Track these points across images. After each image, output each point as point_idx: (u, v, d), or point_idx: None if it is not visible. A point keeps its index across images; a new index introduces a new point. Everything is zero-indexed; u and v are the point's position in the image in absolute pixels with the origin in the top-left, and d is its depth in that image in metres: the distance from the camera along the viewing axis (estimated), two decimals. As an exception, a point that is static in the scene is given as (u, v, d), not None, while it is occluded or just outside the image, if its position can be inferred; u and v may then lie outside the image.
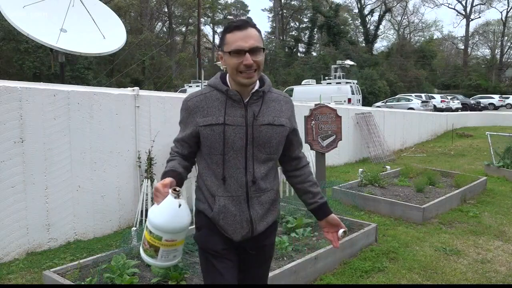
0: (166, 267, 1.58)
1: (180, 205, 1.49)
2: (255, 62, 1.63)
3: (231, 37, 1.63)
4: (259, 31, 1.67)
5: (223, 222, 1.72)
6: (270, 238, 1.87)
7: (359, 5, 50.71)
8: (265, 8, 78.37)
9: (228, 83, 1.72)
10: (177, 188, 1.50)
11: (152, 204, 1.69)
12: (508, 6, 52.72)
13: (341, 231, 1.85)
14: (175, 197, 1.49)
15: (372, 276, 3.54)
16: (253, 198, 1.73)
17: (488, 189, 6.67)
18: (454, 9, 75.17)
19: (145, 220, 4.70)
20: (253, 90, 1.72)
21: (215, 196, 1.71)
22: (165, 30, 44.07)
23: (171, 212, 1.48)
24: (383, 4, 50.23)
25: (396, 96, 29.20)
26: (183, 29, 44.53)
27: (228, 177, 1.69)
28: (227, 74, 1.74)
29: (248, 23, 1.65)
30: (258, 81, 1.75)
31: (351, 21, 53.59)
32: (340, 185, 6.10)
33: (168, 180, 1.56)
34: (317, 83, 25.75)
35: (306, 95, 20.57)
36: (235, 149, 1.68)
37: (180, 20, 43.52)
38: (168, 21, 42.22)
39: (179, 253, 1.58)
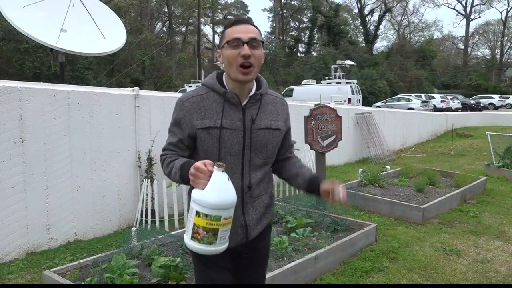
0: (221, 251, 1.50)
1: (228, 178, 1.47)
2: (253, 55, 1.58)
3: (231, 31, 1.61)
4: (259, 30, 1.66)
5: None
6: (265, 240, 1.85)
7: (359, 5, 50.76)
8: (265, 8, 78.59)
9: (225, 84, 1.67)
10: (220, 163, 1.46)
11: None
12: (508, 6, 52.70)
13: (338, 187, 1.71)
14: (222, 171, 1.45)
15: (372, 276, 3.54)
16: (248, 204, 1.70)
17: (488, 189, 6.67)
18: (454, 9, 75.04)
19: (145, 220, 4.72)
20: (251, 93, 1.68)
21: None
22: (165, 30, 44.09)
23: (225, 187, 1.45)
24: (383, 4, 50.25)
25: (396, 96, 29.18)
26: (183, 29, 44.58)
27: None
28: (224, 74, 1.70)
29: (248, 21, 1.64)
30: (255, 83, 1.71)
31: (351, 21, 53.62)
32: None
33: (207, 160, 1.48)
34: (317, 83, 25.73)
35: (306, 95, 20.57)
36: (232, 153, 1.64)
37: (180, 20, 43.57)
38: (168, 21, 42.25)
39: (229, 231, 1.54)
